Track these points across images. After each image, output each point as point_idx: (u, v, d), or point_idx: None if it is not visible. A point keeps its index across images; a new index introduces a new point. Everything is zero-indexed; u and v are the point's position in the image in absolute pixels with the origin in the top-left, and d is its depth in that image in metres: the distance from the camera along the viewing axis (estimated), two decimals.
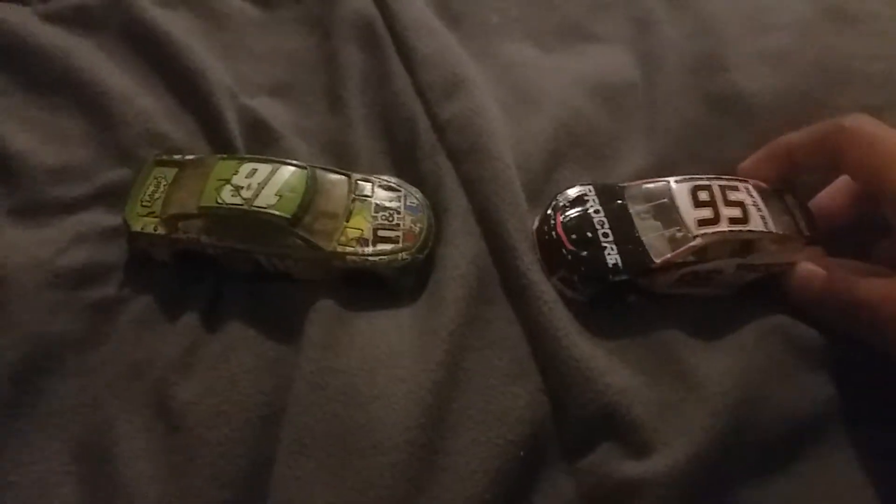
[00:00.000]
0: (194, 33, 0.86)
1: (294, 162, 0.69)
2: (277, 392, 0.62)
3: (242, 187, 0.67)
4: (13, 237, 0.69)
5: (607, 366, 0.63)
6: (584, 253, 0.67)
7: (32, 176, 0.73)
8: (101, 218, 0.72)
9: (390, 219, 0.69)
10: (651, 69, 0.86)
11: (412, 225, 0.69)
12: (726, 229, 0.66)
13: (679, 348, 0.65)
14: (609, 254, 0.67)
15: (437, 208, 0.72)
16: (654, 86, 0.84)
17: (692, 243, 0.66)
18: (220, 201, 0.66)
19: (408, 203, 0.71)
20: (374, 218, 0.69)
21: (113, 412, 0.61)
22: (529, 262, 0.67)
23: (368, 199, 0.70)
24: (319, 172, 0.70)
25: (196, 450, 0.60)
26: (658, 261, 0.66)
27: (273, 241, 0.66)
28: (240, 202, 0.66)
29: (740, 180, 0.70)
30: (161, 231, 0.68)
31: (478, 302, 0.66)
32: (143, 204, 0.69)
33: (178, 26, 0.86)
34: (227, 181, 0.67)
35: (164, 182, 0.70)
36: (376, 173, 0.74)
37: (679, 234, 0.67)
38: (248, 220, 0.66)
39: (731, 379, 0.62)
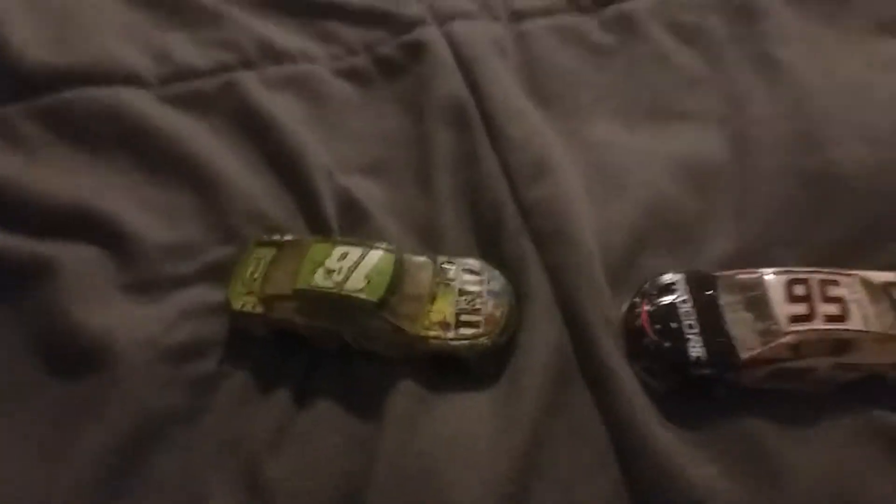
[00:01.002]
0: (298, 114, 0.92)
1: (383, 245, 0.72)
2: (361, 471, 0.63)
3: (334, 270, 0.70)
4: (126, 313, 0.74)
5: (691, 460, 0.61)
6: (667, 344, 0.67)
7: (146, 253, 0.79)
8: (206, 294, 0.77)
9: (473, 303, 0.71)
10: (743, 148, 0.85)
11: (494, 310, 0.71)
12: (821, 327, 0.64)
13: (768, 443, 0.63)
14: (693, 346, 0.66)
15: (518, 292, 0.73)
16: (745, 166, 0.83)
17: (783, 339, 0.64)
18: (312, 284, 0.69)
19: (490, 287, 0.72)
20: (457, 302, 0.71)
21: (209, 486, 0.64)
22: (610, 351, 0.67)
23: (452, 282, 0.72)
24: (406, 256, 0.73)
25: None
26: (745, 356, 0.64)
27: (360, 323, 0.69)
28: (331, 286, 0.69)
29: (845, 274, 0.68)
30: (259, 310, 0.72)
31: (558, 390, 0.66)
32: (244, 284, 0.73)
33: (283, 108, 0.91)
34: (321, 264, 0.71)
35: (263, 262, 0.75)
36: (461, 254, 0.76)
37: (770, 329, 0.65)
38: (337, 303, 0.69)
39: (823, 478, 0.60)
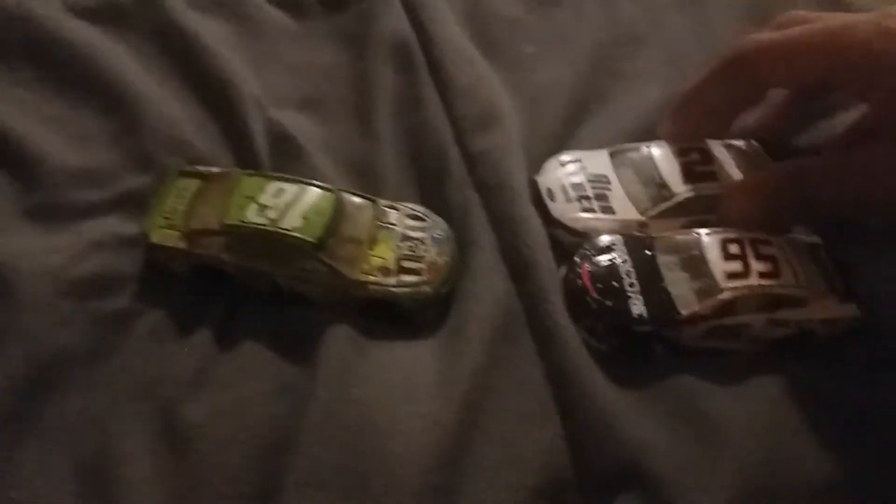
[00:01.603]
0: (227, 40, 0.85)
1: (321, 184, 0.68)
2: (290, 418, 0.60)
3: (268, 207, 0.65)
4: (28, 241, 0.67)
5: (630, 416, 0.61)
6: (609, 302, 0.66)
7: (51, 177, 0.71)
8: (119, 225, 0.70)
9: (415, 250, 0.68)
10: None
11: (437, 257, 0.68)
12: (755, 283, 0.65)
13: (703, 401, 0.63)
14: (634, 304, 0.66)
15: (462, 241, 0.71)
16: None
17: (720, 296, 0.65)
18: (244, 220, 0.64)
19: (434, 234, 0.69)
20: (399, 248, 0.68)
21: (119, 431, 0.59)
22: (557, 305, 0.66)
23: (394, 227, 0.69)
24: (346, 196, 0.69)
25: (202, 476, 0.58)
26: (685, 313, 0.65)
27: (295, 264, 0.65)
28: (264, 222, 0.64)
29: (774, 235, 0.69)
30: (181, 245, 0.66)
31: (501, 341, 0.65)
32: (165, 216, 0.67)
33: (211, 32, 0.84)
34: (253, 199, 0.66)
35: (187, 194, 0.69)
36: (402, 199, 0.73)
37: (707, 287, 0.66)
38: (271, 241, 0.64)
39: (756, 435, 0.61)
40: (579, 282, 0.68)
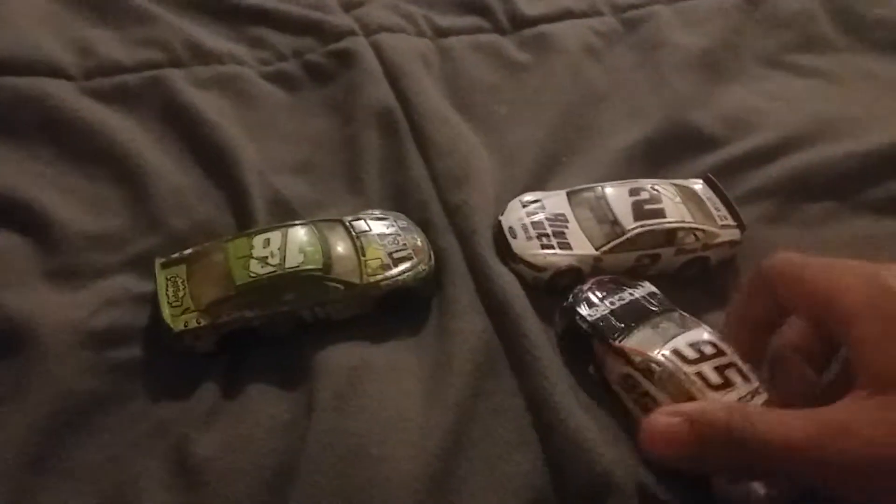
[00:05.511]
0: (226, 113, 0.93)
1: (296, 222, 0.76)
2: (291, 451, 0.64)
3: (266, 257, 0.72)
4: (50, 299, 0.73)
5: (602, 438, 0.66)
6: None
7: (71, 242, 0.78)
8: (132, 283, 0.76)
9: (396, 242, 0.77)
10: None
11: (415, 241, 0.78)
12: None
13: None
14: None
15: (444, 281, 0.78)
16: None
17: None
18: (253, 275, 0.71)
19: (400, 226, 0.79)
20: (384, 245, 0.76)
21: (137, 468, 0.64)
22: (534, 339, 0.71)
23: (369, 232, 0.77)
24: (319, 224, 0.77)
25: None
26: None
27: (312, 294, 0.72)
28: (272, 270, 0.71)
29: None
30: (204, 321, 0.70)
31: (483, 374, 0.70)
32: (173, 305, 0.71)
33: (211, 106, 0.93)
34: (249, 256, 0.72)
35: (180, 280, 0.73)
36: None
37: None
38: (286, 282, 0.71)
39: None
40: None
